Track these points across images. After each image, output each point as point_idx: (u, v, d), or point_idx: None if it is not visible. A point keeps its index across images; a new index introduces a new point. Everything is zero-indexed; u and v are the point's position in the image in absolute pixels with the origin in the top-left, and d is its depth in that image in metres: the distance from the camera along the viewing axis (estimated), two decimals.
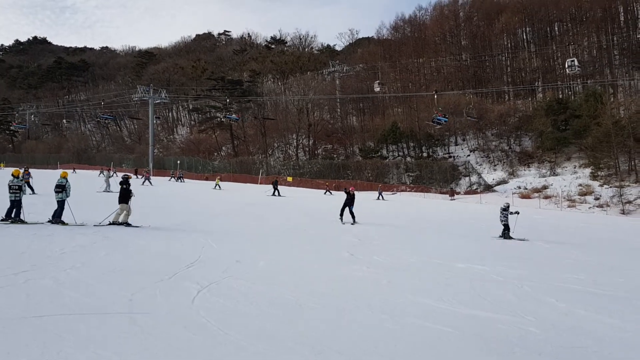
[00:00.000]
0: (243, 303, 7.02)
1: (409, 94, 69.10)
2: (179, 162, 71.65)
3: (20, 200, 14.30)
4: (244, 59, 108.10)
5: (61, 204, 14.48)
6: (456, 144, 65.60)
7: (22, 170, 16.00)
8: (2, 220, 14.01)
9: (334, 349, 5.24)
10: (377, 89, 58.30)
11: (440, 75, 75.88)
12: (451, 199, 48.73)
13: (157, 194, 32.63)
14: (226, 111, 75.86)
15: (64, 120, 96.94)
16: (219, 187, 44.99)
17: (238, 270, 9.35)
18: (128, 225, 14.80)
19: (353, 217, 19.60)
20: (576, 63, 49.93)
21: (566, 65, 51.45)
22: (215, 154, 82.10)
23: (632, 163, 46.61)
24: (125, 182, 15.29)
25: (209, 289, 7.70)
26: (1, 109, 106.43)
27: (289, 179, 62.59)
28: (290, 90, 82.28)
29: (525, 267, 11.72)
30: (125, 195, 15.06)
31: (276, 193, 38.83)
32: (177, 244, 12.33)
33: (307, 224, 19.79)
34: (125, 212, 14.95)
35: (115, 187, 20.38)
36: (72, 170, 60.08)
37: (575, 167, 51.39)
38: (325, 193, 46.78)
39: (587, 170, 49.31)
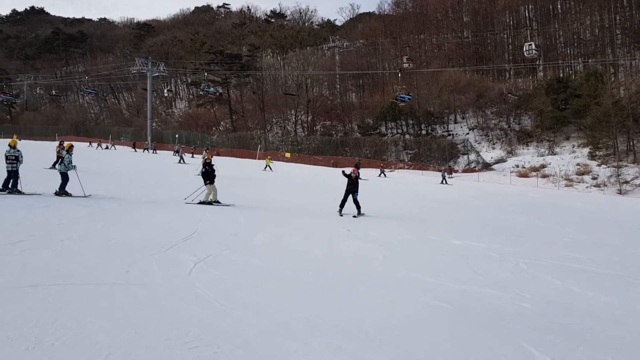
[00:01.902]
0: (239, 276, 7.02)
1: (410, 70, 68.46)
2: (177, 136, 71.40)
3: (17, 170, 14.27)
4: (243, 33, 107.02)
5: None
6: (455, 122, 65.35)
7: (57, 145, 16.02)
8: None
9: (329, 322, 5.26)
10: (405, 65, 57.19)
11: (441, 52, 75.25)
12: (449, 177, 48.75)
13: (153, 168, 32.60)
14: (220, 84, 75.58)
15: (53, 92, 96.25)
16: (270, 168, 39.87)
17: (234, 244, 9.35)
18: (218, 203, 15.16)
19: (358, 207, 14.92)
20: (533, 47, 51.51)
21: (524, 49, 52.40)
22: (214, 128, 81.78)
23: (631, 143, 46.59)
24: (209, 165, 15.49)
25: (205, 261, 7.70)
26: None
27: (287, 155, 62.51)
28: (290, 66, 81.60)
29: (521, 245, 11.74)
30: (210, 175, 15.36)
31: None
32: (174, 217, 12.32)
33: (305, 200, 19.79)
34: (213, 191, 15.30)
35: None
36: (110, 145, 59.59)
37: (573, 147, 51.35)
38: (379, 175, 42.20)
39: (586, 150, 49.29)
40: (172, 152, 57.61)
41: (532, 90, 60.32)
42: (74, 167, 14.86)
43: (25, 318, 4.65)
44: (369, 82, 77.13)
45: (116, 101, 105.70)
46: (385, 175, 42.66)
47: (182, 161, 40.69)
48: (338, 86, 79.38)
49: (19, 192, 14.08)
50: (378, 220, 14.54)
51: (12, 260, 6.80)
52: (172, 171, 30.43)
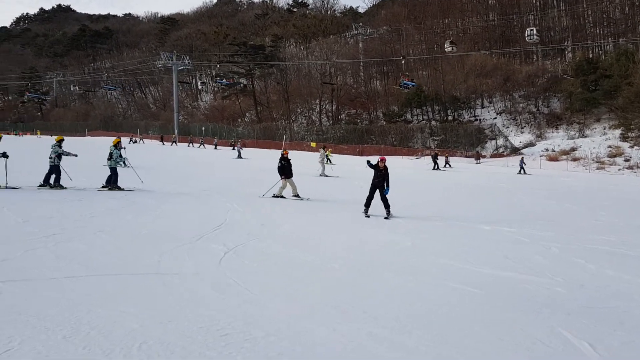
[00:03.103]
0: (268, 264, 7.07)
1: (434, 55, 67.54)
2: (203, 128, 72.00)
3: (58, 165, 14.72)
4: (266, 24, 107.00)
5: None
6: (482, 107, 64.32)
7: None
8: (40, 185, 14.44)
9: (359, 308, 5.25)
10: (448, 49, 56.42)
11: (466, 36, 73.96)
12: (477, 163, 48.16)
13: (180, 161, 32.98)
14: (244, 76, 76.13)
15: (73, 86, 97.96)
16: (330, 161, 32.98)
17: (263, 234, 9.41)
18: (297, 197, 15.28)
19: (386, 205, 12.34)
20: (535, 32, 50.88)
21: (525, 35, 51.62)
22: (239, 120, 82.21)
23: None
24: (285, 159, 15.48)
25: (235, 250, 7.77)
26: (29, 77, 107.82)
27: (313, 144, 62.48)
28: (313, 55, 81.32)
29: (553, 229, 11.53)
30: (286, 170, 15.39)
31: (436, 167, 36.78)
32: (203, 208, 12.46)
33: (332, 189, 19.80)
34: (292, 186, 15.42)
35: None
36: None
37: (604, 129, 50.09)
38: (445, 166, 39.18)
39: (617, 132, 48.02)
40: (197, 144, 58.50)
41: (560, 72, 58.97)
42: (124, 161, 15.25)
43: (61, 308, 4.76)
44: (394, 68, 76.29)
45: (143, 95, 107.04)
46: (450, 165, 39.76)
47: (240, 156, 40.29)
48: (362, 74, 78.81)
49: (61, 187, 14.52)
50: (405, 207, 14.44)
51: (46, 253, 6.96)
52: (228, 167, 30.74)
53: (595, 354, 4.19)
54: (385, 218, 12.10)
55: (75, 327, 4.29)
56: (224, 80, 71.94)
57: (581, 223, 13.20)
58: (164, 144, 59.99)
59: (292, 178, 15.58)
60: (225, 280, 6.11)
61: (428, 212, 13.77)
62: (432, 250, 8.50)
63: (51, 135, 73.97)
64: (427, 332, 4.59)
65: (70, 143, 35.91)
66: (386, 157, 13.30)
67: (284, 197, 15.16)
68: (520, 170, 35.71)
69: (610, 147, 46.22)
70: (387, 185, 12.45)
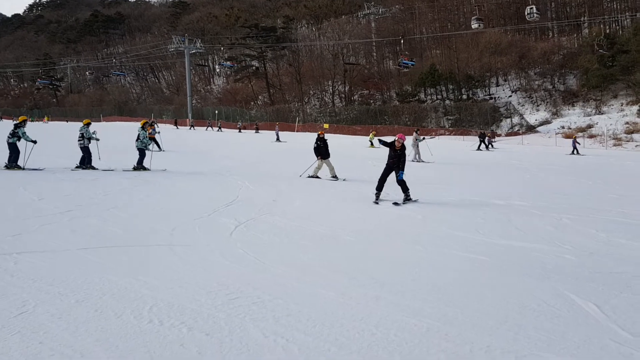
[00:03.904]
0: (279, 237, 7.14)
1: (448, 33, 66.71)
2: (217, 112, 72.15)
3: (87, 147, 15.14)
4: (277, 5, 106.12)
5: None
6: (497, 85, 63.51)
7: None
8: (76, 167, 14.91)
9: (368, 274, 5.30)
10: (474, 26, 55.49)
11: (480, 13, 72.77)
12: (493, 142, 47.75)
13: (193, 142, 33.15)
14: (256, 58, 76.28)
15: (87, 73, 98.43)
16: (372, 144, 33.83)
17: (274, 209, 9.48)
18: (335, 178, 14.96)
19: (404, 189, 10.76)
20: (535, 10, 49.69)
21: (526, 13, 50.46)
22: (252, 103, 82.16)
23: None
24: (321, 140, 15.37)
25: (246, 224, 7.85)
26: (43, 64, 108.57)
27: (326, 126, 62.28)
28: (325, 36, 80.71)
29: (566, 202, 11.46)
30: (322, 150, 15.23)
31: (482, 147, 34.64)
32: (215, 185, 12.57)
33: (345, 168, 19.79)
34: (330, 167, 15.19)
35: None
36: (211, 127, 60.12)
37: (622, 105, 49.25)
38: (489, 146, 36.34)
39: (635, 108, 47.20)
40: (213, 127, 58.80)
41: (577, 49, 57.94)
42: (150, 143, 15.63)
43: (75, 276, 4.87)
44: (407, 48, 75.47)
45: (156, 80, 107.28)
46: (493, 145, 37.26)
47: (278, 139, 39.64)
48: (374, 54, 78.12)
49: (93, 168, 14.93)
50: (417, 182, 14.41)
51: (61, 227, 7.10)
52: (211, 143, 30.85)
53: (601, 314, 4.20)
54: (395, 204, 10.40)
55: (88, 293, 4.41)
56: (228, 63, 72.59)
57: (595, 196, 13.10)
58: (177, 128, 60.23)
59: (330, 159, 15.35)
60: (236, 250, 6.19)
61: (440, 188, 13.73)
62: (442, 223, 8.51)
63: (66, 121, 74.67)
64: (434, 296, 4.63)
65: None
66: (405, 136, 11.31)
67: (319, 177, 14.99)
68: (573, 151, 33.01)
69: (627, 123, 45.52)
70: (402, 167, 10.68)
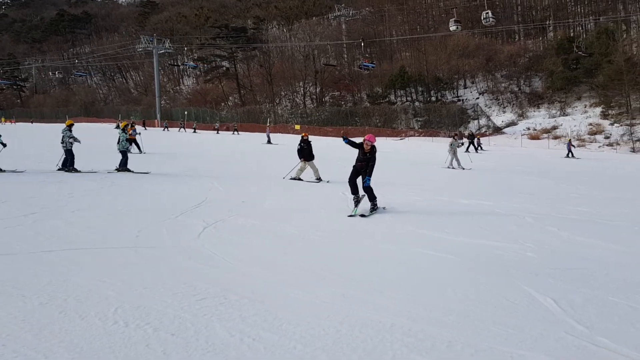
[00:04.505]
0: (247, 237, 7.15)
1: (417, 36, 67.53)
2: (186, 112, 71.46)
3: (70, 149, 15.00)
4: (248, 5, 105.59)
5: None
6: (465, 87, 64.60)
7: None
8: (58, 169, 14.78)
9: (336, 273, 5.37)
10: (452, 28, 55.92)
11: (449, 16, 73.84)
12: (460, 143, 48.48)
13: (164, 143, 32.81)
14: (226, 59, 75.90)
15: (50, 73, 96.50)
16: None
17: (243, 210, 9.47)
18: (319, 180, 14.78)
19: (370, 198, 9.59)
20: (490, 15, 51.08)
21: (482, 18, 51.97)
22: (223, 104, 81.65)
23: None
24: (305, 142, 15.20)
25: (214, 225, 7.83)
26: (7, 63, 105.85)
27: (297, 127, 62.36)
28: (296, 37, 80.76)
29: (530, 202, 11.75)
30: (305, 152, 15.04)
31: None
32: (183, 187, 12.48)
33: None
34: (314, 169, 14.99)
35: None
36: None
37: (585, 107, 50.68)
38: (477, 148, 35.45)
39: (598, 110, 48.64)
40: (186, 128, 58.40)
41: (542, 51, 59.32)
42: (127, 145, 15.69)
43: (38, 279, 4.81)
44: (377, 50, 76.14)
45: (124, 80, 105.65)
46: (482, 148, 36.85)
47: (269, 142, 38.93)
48: (345, 56, 78.51)
49: (76, 170, 14.75)
50: (386, 184, 14.57)
51: (25, 230, 6.98)
52: (182, 143, 30.57)
53: (558, 308, 4.34)
54: (362, 216, 9.08)
55: (52, 295, 4.35)
56: (191, 63, 72.46)
57: (559, 196, 13.47)
58: (146, 129, 59.43)
59: (314, 161, 15.12)
60: (204, 252, 6.18)
61: (407, 189, 13.91)
62: (409, 222, 8.63)
63: (31, 122, 72.95)
64: (400, 293, 4.72)
65: (50, 130, 35.49)
66: (375, 137, 9.88)
67: (301, 180, 14.79)
68: (568, 154, 32.69)
69: (591, 124, 46.87)
70: (370, 173, 9.43)
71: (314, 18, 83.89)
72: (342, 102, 71.85)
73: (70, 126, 15.56)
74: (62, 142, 15.04)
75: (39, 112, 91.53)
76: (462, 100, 62.20)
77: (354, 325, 3.87)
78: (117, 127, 57.76)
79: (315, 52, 74.05)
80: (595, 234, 7.96)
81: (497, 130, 52.09)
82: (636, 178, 21.15)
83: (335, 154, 28.37)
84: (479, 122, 55.36)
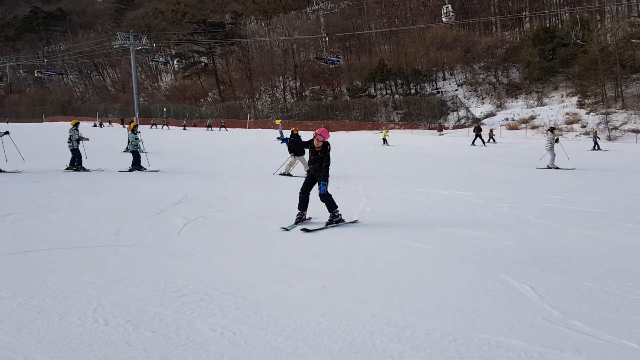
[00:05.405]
0: (229, 233, 7.14)
1: (395, 28, 67.69)
2: (165, 109, 70.81)
3: (77, 149, 15.20)
4: (225, 0, 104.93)
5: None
6: (444, 79, 64.94)
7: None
8: (66, 168, 14.93)
9: (317, 268, 5.39)
10: (445, 19, 55.66)
11: (426, 9, 74.22)
12: (440, 134, 48.89)
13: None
14: (204, 55, 75.51)
15: (21, 71, 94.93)
16: (387, 142, 33.69)
17: (224, 206, 9.46)
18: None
19: (329, 207, 7.80)
20: (450, 9, 52.22)
21: (442, 13, 53.06)
22: (202, 100, 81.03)
23: (619, 89, 46.69)
24: (295, 136, 14.80)
25: (195, 222, 7.81)
26: None
27: (277, 122, 62.01)
28: (274, 32, 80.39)
29: (508, 192, 11.92)
30: (295, 148, 14.56)
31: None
32: (164, 184, 12.41)
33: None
34: (304, 164, 14.57)
35: None
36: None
37: (562, 97, 51.36)
38: (489, 140, 35.73)
39: (574, 99, 49.34)
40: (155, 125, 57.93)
41: (519, 42, 59.91)
42: (138, 144, 15.90)
43: (16, 280, 4.76)
44: (356, 43, 76.14)
45: (101, 78, 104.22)
46: (494, 140, 36.65)
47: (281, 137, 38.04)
48: (324, 50, 78.34)
49: (84, 169, 14.94)
50: (367, 177, 14.67)
51: (2, 231, 6.90)
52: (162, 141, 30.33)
53: (535, 295, 4.43)
54: (324, 227, 7.58)
55: (30, 295, 4.32)
56: (161, 59, 72.05)
57: (537, 185, 13.67)
58: (124, 127, 58.79)
59: (304, 156, 14.71)
60: (184, 249, 6.17)
61: (386, 182, 14.00)
62: (389, 214, 8.71)
63: (7, 122, 71.65)
64: (379, 284, 4.77)
65: (26, 129, 34.89)
66: (329, 132, 8.26)
67: (291, 175, 14.74)
68: (594, 146, 31.47)
69: (567, 114, 47.53)
70: (324, 177, 7.62)
71: (292, 12, 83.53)
72: (323, 96, 71.79)
73: (76, 125, 15.75)
74: (69, 142, 15.19)
75: (14, 112, 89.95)
76: (442, 92, 62.55)
77: (335, 317, 3.90)
78: (95, 125, 57.33)
79: (294, 46, 73.81)
80: (574, 222, 8.13)
81: (476, 121, 52.48)
82: (612, 166, 21.52)
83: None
84: (458, 113, 55.77)
